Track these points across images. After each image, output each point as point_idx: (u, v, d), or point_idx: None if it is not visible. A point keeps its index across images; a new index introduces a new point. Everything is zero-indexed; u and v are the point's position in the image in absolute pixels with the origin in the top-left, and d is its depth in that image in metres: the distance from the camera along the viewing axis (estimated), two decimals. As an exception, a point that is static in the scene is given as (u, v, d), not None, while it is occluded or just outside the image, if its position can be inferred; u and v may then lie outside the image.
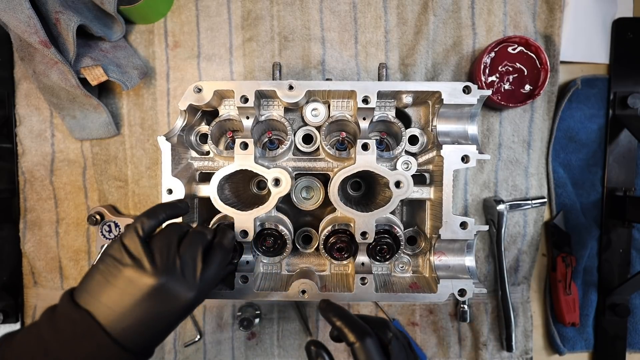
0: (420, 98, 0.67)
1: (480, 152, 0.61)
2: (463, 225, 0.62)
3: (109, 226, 0.76)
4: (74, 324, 0.47)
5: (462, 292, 0.62)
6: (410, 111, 0.71)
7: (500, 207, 0.76)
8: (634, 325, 0.82)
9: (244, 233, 0.62)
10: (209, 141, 0.66)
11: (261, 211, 0.62)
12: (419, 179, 0.70)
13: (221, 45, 0.78)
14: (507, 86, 0.75)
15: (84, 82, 0.69)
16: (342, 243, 0.64)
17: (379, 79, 0.69)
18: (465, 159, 0.61)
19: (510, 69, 0.74)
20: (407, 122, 0.71)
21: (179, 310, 0.50)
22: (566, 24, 0.78)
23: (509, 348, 0.79)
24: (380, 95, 0.64)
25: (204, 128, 0.70)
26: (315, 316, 0.82)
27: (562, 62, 0.79)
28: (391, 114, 0.67)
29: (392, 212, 0.64)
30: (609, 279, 0.81)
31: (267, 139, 0.68)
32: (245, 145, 0.61)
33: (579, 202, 0.81)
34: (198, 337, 0.81)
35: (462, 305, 0.79)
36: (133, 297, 0.48)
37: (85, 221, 0.81)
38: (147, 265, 0.48)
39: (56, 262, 0.82)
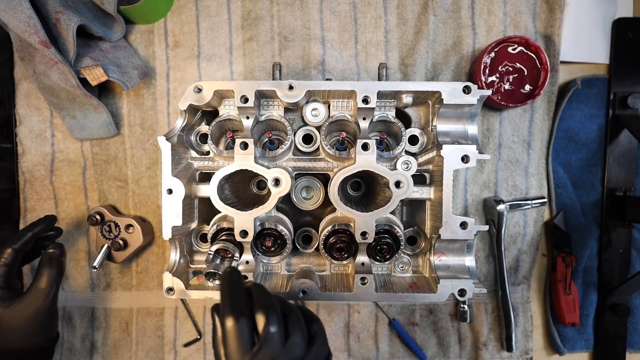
0: (420, 98, 0.67)
1: (480, 152, 0.61)
2: (463, 225, 0.62)
3: (109, 226, 0.76)
4: None
5: (462, 292, 0.62)
6: (410, 111, 0.71)
7: (500, 207, 0.76)
8: (634, 325, 0.82)
9: (244, 233, 0.62)
10: (209, 141, 0.66)
11: (261, 211, 0.62)
12: (419, 179, 0.70)
13: (221, 45, 0.78)
14: (507, 86, 0.75)
15: (84, 82, 0.69)
16: (342, 243, 0.64)
17: (379, 79, 0.69)
18: (465, 159, 0.61)
19: (510, 69, 0.74)
20: (407, 122, 0.71)
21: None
22: (566, 24, 0.78)
23: (509, 348, 0.79)
24: (380, 95, 0.64)
25: (204, 128, 0.70)
26: (315, 316, 0.82)
27: (562, 62, 0.79)
28: (391, 114, 0.67)
29: (392, 212, 0.64)
30: (609, 279, 0.81)
31: (267, 139, 0.68)
32: (245, 145, 0.61)
33: (579, 202, 0.81)
34: (198, 337, 0.81)
35: (462, 305, 0.79)
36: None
37: (85, 221, 0.81)
38: None
39: (56, 262, 0.81)
